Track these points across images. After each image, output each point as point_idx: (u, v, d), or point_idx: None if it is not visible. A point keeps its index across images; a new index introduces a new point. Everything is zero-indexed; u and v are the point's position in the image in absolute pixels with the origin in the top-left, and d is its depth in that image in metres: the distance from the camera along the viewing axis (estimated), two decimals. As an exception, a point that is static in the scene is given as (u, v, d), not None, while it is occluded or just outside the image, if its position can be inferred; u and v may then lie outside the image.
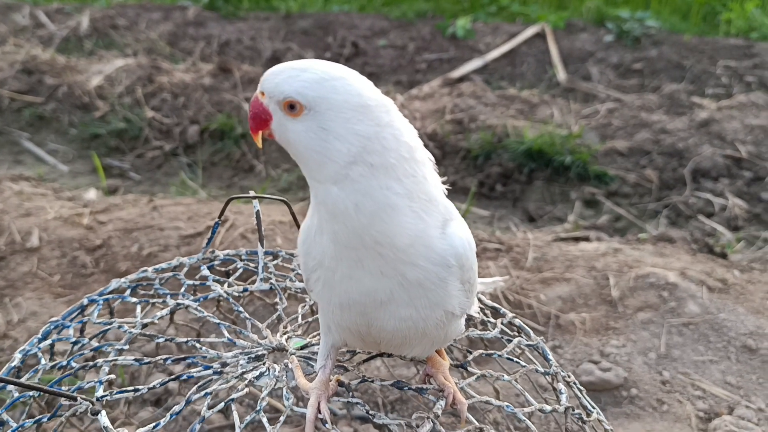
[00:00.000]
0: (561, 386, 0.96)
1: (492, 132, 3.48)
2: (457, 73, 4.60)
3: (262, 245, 1.20)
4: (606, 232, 2.89)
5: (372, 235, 0.78)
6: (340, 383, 0.91)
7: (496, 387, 1.09)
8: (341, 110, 0.77)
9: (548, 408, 0.91)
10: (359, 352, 1.00)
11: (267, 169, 3.40)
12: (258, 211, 1.20)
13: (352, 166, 0.77)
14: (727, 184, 3.30)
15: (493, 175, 3.32)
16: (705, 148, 3.47)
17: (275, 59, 4.70)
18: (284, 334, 1.03)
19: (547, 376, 0.99)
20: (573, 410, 0.92)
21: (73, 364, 0.96)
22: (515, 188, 3.30)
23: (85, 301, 1.11)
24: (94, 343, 1.00)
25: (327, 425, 0.83)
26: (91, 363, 0.95)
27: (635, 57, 4.88)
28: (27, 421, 0.87)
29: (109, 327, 1.03)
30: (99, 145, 3.29)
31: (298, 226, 1.24)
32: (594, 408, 0.95)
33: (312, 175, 0.80)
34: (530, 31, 5.11)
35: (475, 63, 4.78)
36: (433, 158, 0.86)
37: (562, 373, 0.98)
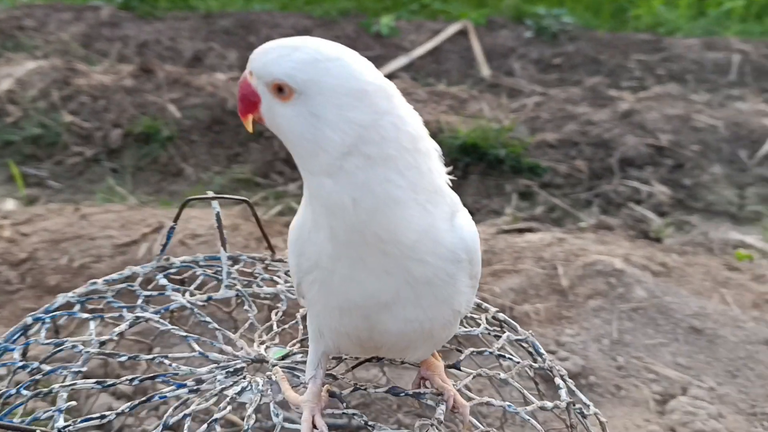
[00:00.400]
0: (559, 381, 0.94)
1: (426, 128, 3.48)
2: (383, 71, 4.57)
3: (225, 249, 1.12)
4: (543, 223, 2.93)
5: (374, 231, 0.72)
6: (331, 393, 0.85)
7: (494, 385, 1.05)
8: (334, 95, 0.70)
9: (549, 405, 0.89)
10: (346, 358, 0.94)
11: (197, 172, 3.27)
12: (218, 213, 1.12)
13: (346, 157, 0.70)
14: (652, 171, 3.42)
15: (428, 171, 3.32)
16: (629, 138, 3.58)
17: (197, 59, 4.54)
18: (261, 343, 0.96)
19: (540, 371, 0.97)
20: (574, 405, 0.90)
21: (23, 392, 0.86)
22: (451, 183, 3.31)
23: (29, 320, 1.00)
24: (46, 367, 0.90)
25: None
26: (45, 389, 0.85)
27: (554, 52, 5.00)
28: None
29: (61, 348, 0.93)
30: (13, 153, 3.07)
31: (261, 228, 1.17)
32: (589, 403, 0.93)
33: (304, 165, 0.73)
34: (453, 29, 5.15)
35: (402, 60, 4.77)
36: (439, 148, 0.81)
37: (556, 368, 0.96)
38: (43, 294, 1.92)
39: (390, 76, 4.60)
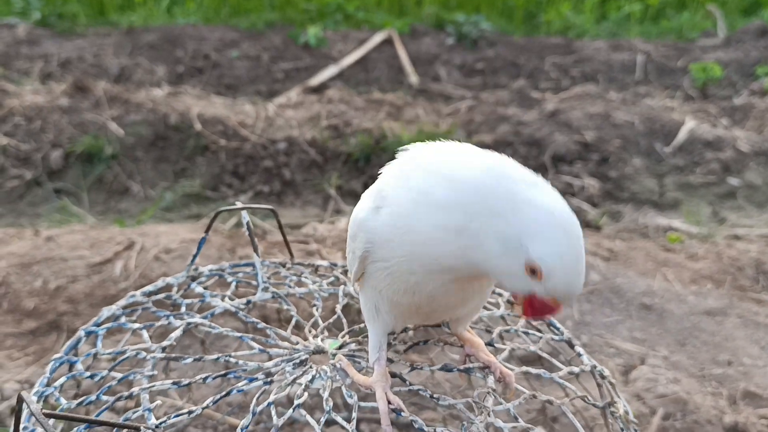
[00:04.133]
0: (579, 348, 1.08)
1: (369, 134, 3.59)
2: (315, 81, 4.66)
3: (257, 255, 1.19)
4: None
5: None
6: (392, 374, 0.94)
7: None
8: None
9: (576, 369, 1.02)
10: (394, 343, 1.03)
11: (145, 189, 3.25)
12: (248, 222, 1.19)
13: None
14: (581, 166, 3.68)
15: (375, 176, 3.43)
16: (558, 136, 3.83)
17: (124, 76, 4.47)
18: (315, 336, 1.04)
19: (560, 342, 1.10)
20: (596, 368, 1.03)
21: (103, 398, 0.90)
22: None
23: (82, 333, 1.04)
24: (117, 374, 0.95)
25: (404, 414, 0.86)
26: (125, 393, 0.90)
27: (476, 57, 5.24)
28: (81, 461, 0.82)
29: (125, 356, 0.98)
30: (-52, 180, 2.96)
31: (283, 234, 1.25)
32: (601, 367, 1.07)
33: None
34: (379, 37, 5.29)
35: (332, 70, 4.86)
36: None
37: (573, 339, 1.10)
38: (22, 318, 1.90)
39: (322, 86, 4.69)
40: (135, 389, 0.90)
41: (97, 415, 0.86)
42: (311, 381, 0.92)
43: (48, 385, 0.94)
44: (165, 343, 1.01)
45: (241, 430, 0.83)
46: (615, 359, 1.94)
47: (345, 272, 1.27)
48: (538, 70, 5.17)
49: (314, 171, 3.47)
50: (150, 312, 1.10)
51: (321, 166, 3.47)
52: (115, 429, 0.82)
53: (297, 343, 1.02)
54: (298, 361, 0.97)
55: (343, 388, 0.91)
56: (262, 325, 1.06)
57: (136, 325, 1.05)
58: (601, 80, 4.99)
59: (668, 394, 1.75)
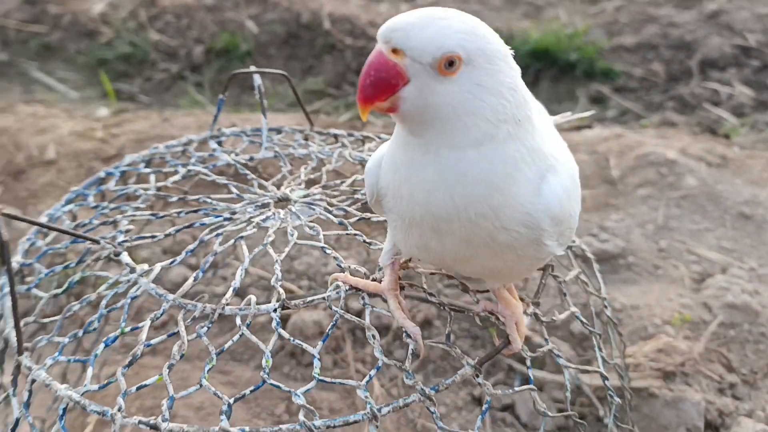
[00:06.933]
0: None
1: (498, 35, 3.47)
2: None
3: (264, 116, 1.27)
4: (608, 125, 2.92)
5: (483, 207, 0.70)
6: (402, 286, 0.88)
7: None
8: (495, 62, 0.68)
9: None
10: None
11: (273, 84, 3.44)
12: (259, 85, 1.27)
13: (502, 124, 0.69)
14: (734, 73, 3.29)
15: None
16: (713, 39, 3.43)
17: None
18: (291, 189, 1.11)
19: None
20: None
21: (95, 222, 1.05)
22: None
23: (102, 174, 1.19)
24: (111, 205, 1.08)
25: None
26: (110, 220, 1.04)
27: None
28: (56, 267, 0.97)
29: (125, 191, 1.12)
30: (107, 71, 3.33)
31: (299, 100, 1.31)
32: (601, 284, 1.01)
33: (448, 141, 0.69)
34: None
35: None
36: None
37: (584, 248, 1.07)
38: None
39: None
40: (118, 216, 1.03)
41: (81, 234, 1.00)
42: (264, 221, 0.99)
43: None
44: (160, 183, 1.12)
45: (186, 253, 0.92)
46: (692, 266, 1.80)
47: (362, 139, 1.31)
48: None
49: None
50: (165, 161, 1.22)
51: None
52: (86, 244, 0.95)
53: (270, 192, 1.09)
54: (260, 204, 1.04)
55: (289, 227, 0.96)
56: (251, 176, 1.14)
57: (147, 170, 1.18)
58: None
59: (738, 304, 1.61)
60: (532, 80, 3.31)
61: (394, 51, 0.67)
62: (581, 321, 0.95)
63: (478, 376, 0.80)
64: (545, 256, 0.79)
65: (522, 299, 0.93)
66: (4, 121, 2.37)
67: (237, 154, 1.24)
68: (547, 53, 3.32)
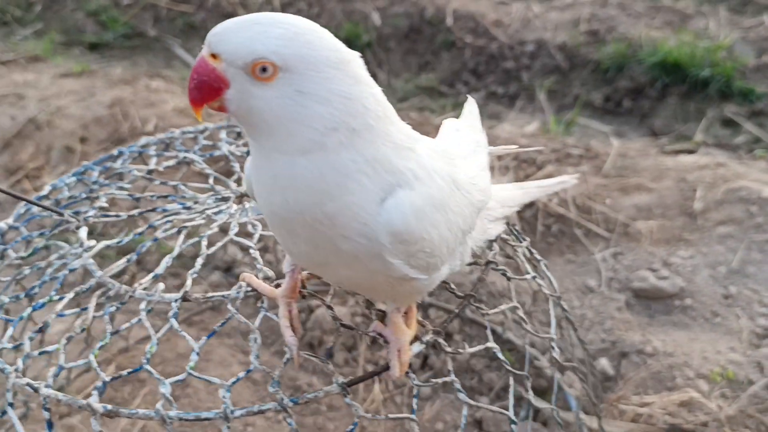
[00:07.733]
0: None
1: (627, 43, 3.24)
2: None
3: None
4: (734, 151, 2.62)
5: (316, 213, 0.69)
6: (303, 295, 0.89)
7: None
8: (321, 69, 0.67)
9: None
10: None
11: (389, 78, 3.48)
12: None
13: (332, 132, 0.68)
14: None
15: (621, 90, 3.12)
16: None
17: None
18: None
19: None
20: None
21: (83, 196, 1.14)
22: (644, 104, 3.07)
23: (116, 152, 1.28)
24: (103, 181, 1.17)
25: (293, 351, 0.82)
26: (94, 196, 1.12)
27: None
28: (34, 232, 1.07)
29: (121, 171, 1.20)
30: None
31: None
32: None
33: (278, 146, 0.69)
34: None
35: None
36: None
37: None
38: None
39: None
40: (101, 194, 1.11)
41: (64, 207, 1.09)
42: (216, 213, 1.02)
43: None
44: (152, 167, 1.19)
45: (134, 235, 0.97)
46: (759, 319, 1.59)
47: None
48: None
49: (556, 77, 3.29)
50: (173, 146, 1.29)
51: (565, 73, 3.28)
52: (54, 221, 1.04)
53: (238, 188, 1.12)
54: (221, 197, 1.07)
55: (232, 223, 0.99)
56: (236, 168, 1.18)
57: (152, 152, 1.26)
58: None
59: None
60: (656, 96, 3.06)
61: (213, 55, 0.67)
62: (500, 359, 0.89)
63: (346, 395, 0.78)
64: (405, 277, 0.75)
65: (423, 325, 0.88)
66: (122, 92, 2.61)
67: (238, 146, 1.28)
68: (677, 66, 3.05)
